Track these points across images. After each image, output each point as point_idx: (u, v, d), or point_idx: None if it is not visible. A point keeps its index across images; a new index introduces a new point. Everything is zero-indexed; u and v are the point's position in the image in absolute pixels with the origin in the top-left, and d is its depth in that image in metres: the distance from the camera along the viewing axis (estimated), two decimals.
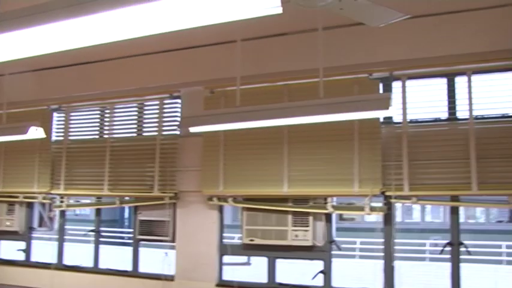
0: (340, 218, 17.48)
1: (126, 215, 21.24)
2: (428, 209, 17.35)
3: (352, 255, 13.26)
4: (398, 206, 5.14)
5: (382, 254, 4.99)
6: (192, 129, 4.42)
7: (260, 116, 3.99)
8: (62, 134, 6.59)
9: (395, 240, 4.92)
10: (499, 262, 12.41)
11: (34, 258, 6.96)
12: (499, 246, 12.71)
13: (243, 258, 6.72)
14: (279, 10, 1.76)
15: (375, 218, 16.42)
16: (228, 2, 1.74)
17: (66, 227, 6.83)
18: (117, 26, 2.12)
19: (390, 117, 4.93)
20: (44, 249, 7.33)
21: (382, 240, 5.00)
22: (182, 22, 1.95)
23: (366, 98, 3.98)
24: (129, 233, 16.50)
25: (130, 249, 6.35)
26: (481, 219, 16.91)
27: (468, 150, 4.63)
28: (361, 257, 12.98)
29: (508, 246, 12.38)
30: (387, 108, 3.48)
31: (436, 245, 12.71)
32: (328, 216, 5.19)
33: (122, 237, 16.58)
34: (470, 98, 4.70)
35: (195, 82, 5.72)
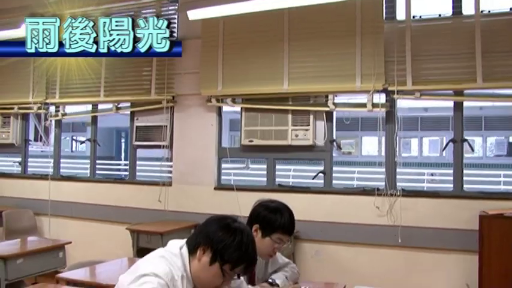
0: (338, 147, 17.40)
1: (123, 153, 21.23)
2: (426, 144, 17.35)
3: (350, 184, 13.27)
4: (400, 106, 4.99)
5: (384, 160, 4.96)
6: (191, 16, 4.28)
7: None
8: None
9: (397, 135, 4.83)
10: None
11: (31, 171, 6.93)
12: (498, 176, 12.76)
13: (242, 162, 6.70)
14: None
15: (373, 151, 16.42)
16: None
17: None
18: None
19: (393, 13, 4.79)
20: (40, 165, 7.30)
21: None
22: None
23: None
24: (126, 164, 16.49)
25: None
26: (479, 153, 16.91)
27: (473, 44, 4.49)
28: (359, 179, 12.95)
29: (505, 176, 12.41)
30: None
31: (432, 174, 12.74)
32: (328, 115, 5.10)
33: (120, 175, 16.55)
34: None
35: None
